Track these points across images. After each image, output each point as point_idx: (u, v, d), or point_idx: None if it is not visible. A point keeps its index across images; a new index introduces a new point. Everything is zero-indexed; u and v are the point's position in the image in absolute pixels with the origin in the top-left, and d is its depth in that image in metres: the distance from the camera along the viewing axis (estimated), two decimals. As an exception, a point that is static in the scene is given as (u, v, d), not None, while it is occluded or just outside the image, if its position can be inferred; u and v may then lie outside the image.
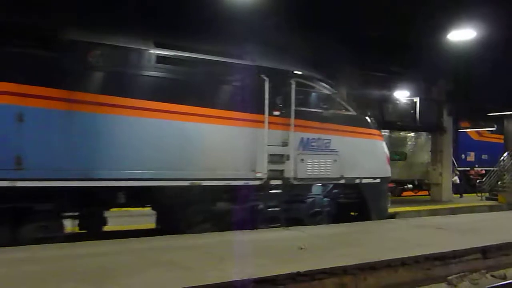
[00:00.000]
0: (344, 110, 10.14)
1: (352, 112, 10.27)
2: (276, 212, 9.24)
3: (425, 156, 20.30)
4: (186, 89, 8.28)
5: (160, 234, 8.12)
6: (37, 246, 6.72)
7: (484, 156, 23.62)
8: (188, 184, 8.16)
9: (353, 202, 10.38)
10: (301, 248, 6.99)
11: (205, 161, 8.33)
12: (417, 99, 17.48)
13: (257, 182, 8.91)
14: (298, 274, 5.60)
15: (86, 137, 7.31)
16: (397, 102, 17.95)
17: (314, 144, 9.56)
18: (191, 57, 8.38)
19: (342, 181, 9.95)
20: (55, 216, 7.46)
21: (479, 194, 19.59)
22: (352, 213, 10.75)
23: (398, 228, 9.58)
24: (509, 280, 6.93)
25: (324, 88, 9.93)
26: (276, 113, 9.14)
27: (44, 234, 7.21)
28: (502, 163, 20.44)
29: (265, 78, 8.97)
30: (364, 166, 10.24)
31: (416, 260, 6.77)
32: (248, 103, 8.76)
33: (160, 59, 8.04)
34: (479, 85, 15.24)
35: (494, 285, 6.64)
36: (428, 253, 6.99)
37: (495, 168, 20.39)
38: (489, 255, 7.69)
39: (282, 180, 9.20)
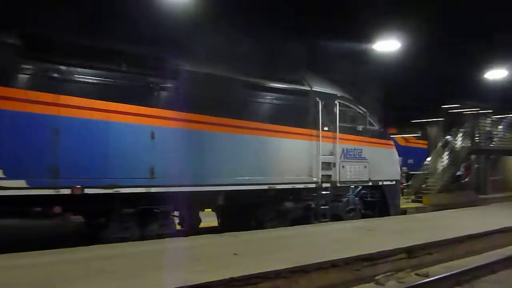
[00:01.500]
0: (370, 125, 12.39)
1: (375, 127, 12.65)
2: (326, 210, 11.18)
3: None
4: (264, 110, 10.25)
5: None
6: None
7: (410, 161, 24.84)
8: (267, 188, 9.95)
9: (376, 201, 12.58)
10: (235, 254, 7.04)
11: (278, 168, 10.14)
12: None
13: (313, 185, 10.85)
14: (232, 279, 5.61)
15: (198, 151, 8.88)
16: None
17: (351, 153, 11.76)
18: (270, 84, 10.30)
19: (370, 183, 12.25)
20: (169, 216, 8.91)
21: (407, 197, 20.55)
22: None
23: (330, 231, 9.86)
24: (432, 277, 7.31)
25: (357, 108, 12.11)
26: (326, 128, 11.15)
27: (162, 231, 8.58)
28: (426, 166, 21.66)
29: (318, 100, 11.00)
30: (384, 170, 12.64)
31: (346, 262, 6.99)
32: (307, 120, 10.85)
33: (249, 85, 9.86)
34: (404, 93, 16.06)
35: (418, 283, 6.97)
36: (357, 254, 7.26)
37: (420, 172, 21.55)
38: (414, 254, 8.09)
39: (330, 183, 11.20)
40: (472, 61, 14.41)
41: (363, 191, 12.36)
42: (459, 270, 7.58)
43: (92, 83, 7.82)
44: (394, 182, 12.99)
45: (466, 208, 15.19)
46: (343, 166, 11.48)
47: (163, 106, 8.51)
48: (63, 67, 7.50)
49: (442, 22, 10.66)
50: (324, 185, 11.05)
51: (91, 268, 6.00)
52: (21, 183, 6.87)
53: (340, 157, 11.40)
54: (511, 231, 10.65)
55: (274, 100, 10.36)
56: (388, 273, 7.40)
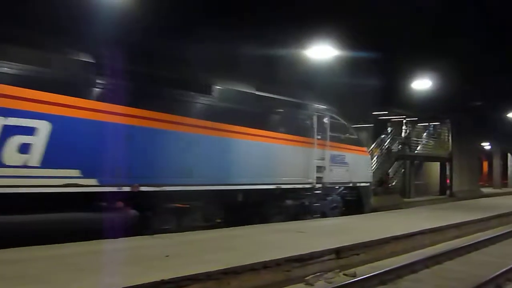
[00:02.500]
0: (350, 135, 14.48)
1: (354, 136, 14.77)
2: (317, 207, 13.04)
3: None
4: (272, 120, 11.90)
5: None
6: None
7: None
8: (275, 187, 11.62)
9: (354, 199, 14.55)
10: (167, 256, 6.94)
11: (283, 171, 11.82)
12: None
13: (309, 186, 12.68)
14: (162, 282, 5.52)
15: (224, 156, 10.41)
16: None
17: (337, 158, 13.64)
18: (278, 97, 11.99)
19: (350, 184, 14.26)
20: (203, 210, 10.26)
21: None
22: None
23: (263, 233, 9.95)
24: (359, 277, 7.59)
25: (341, 120, 14.07)
26: (319, 137, 13.00)
27: (202, 223, 10.24)
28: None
29: (314, 113, 12.96)
30: (361, 173, 14.80)
31: (277, 263, 7.09)
32: (305, 130, 12.71)
33: (261, 98, 11.52)
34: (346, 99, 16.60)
35: (345, 282, 7.20)
36: (288, 255, 7.39)
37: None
38: (342, 255, 8.35)
39: (322, 184, 12.99)
40: (400, 71, 15.21)
41: (344, 191, 14.32)
42: (384, 270, 7.90)
43: (139, 95, 8.99)
44: (368, 184, 15.29)
45: (391, 211, 15.90)
46: (331, 170, 13.36)
47: (202, 118, 10.11)
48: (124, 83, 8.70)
49: (371, 37, 11.25)
50: (317, 185, 12.88)
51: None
52: (93, 181, 8.11)
53: (329, 162, 13.31)
54: (430, 233, 11.30)
55: (280, 112, 12.14)
56: (318, 274, 7.59)
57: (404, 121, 25.91)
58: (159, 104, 9.28)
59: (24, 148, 7.37)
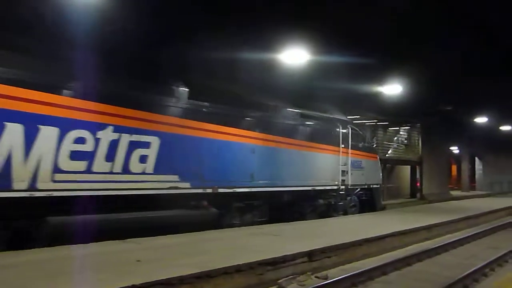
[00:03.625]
0: (366, 143, 17.29)
1: (368, 144, 17.76)
2: (340, 205, 15.27)
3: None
4: (309, 132, 14.09)
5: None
6: None
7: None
8: (310, 189, 13.88)
9: (367, 199, 16.82)
10: (138, 261, 6.87)
11: (316, 175, 14.12)
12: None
13: (335, 187, 14.92)
14: (133, 287, 5.46)
15: (276, 162, 12.56)
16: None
17: (356, 164, 15.87)
18: (314, 114, 14.50)
19: (365, 186, 16.58)
20: (256, 209, 12.27)
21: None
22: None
23: (238, 236, 9.95)
24: (330, 280, 7.67)
25: (359, 130, 16.61)
26: (343, 145, 15.22)
27: (258, 219, 12.20)
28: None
29: (339, 125, 15.25)
30: (374, 177, 17.18)
31: (250, 266, 7.12)
32: (333, 140, 15.00)
33: (303, 115, 13.91)
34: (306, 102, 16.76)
35: (317, 285, 7.26)
36: (262, 258, 7.42)
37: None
38: (314, 258, 8.44)
39: (345, 186, 15.22)
40: (370, 76, 15.47)
41: (360, 192, 16.48)
42: (355, 272, 8.01)
43: (215, 113, 11.01)
44: (379, 185, 17.63)
45: (364, 213, 16.09)
46: (352, 174, 15.46)
47: (259, 131, 12.17)
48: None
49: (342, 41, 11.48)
50: (341, 187, 15.10)
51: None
52: (187, 184, 10.08)
53: (351, 167, 15.41)
54: (401, 235, 11.51)
55: (314, 125, 14.41)
56: (290, 277, 7.65)
57: (376, 125, 26.29)
58: (237, 122, 11.68)
59: (143, 159, 9.22)
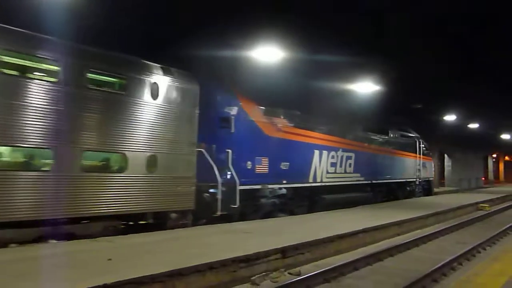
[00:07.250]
0: (426, 150, 27.25)
1: (427, 151, 27.68)
2: (416, 192, 25.43)
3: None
4: (400, 144, 24.16)
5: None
6: None
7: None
8: (404, 181, 24.20)
9: (426, 187, 27.23)
10: (110, 259, 6.77)
11: (404, 171, 24.26)
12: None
13: (414, 180, 25.48)
14: (105, 286, 5.38)
15: (373, 164, 20.89)
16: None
17: (423, 164, 26.26)
18: (402, 133, 25.22)
19: (427, 179, 27.46)
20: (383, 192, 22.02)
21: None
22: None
23: (210, 234, 9.90)
24: (303, 276, 7.72)
25: (424, 142, 26.90)
26: (417, 153, 25.67)
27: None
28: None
29: (417, 140, 25.94)
30: (430, 173, 28.77)
31: (223, 264, 7.10)
32: (413, 149, 25.38)
33: (401, 135, 25.24)
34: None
35: (290, 281, 7.30)
36: (235, 256, 7.40)
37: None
38: (288, 254, 8.48)
39: (418, 179, 25.83)
40: (342, 74, 15.61)
41: (423, 183, 26.53)
42: (327, 268, 8.09)
43: (372, 139, 21.43)
44: (432, 178, 29.12)
45: (337, 210, 16.24)
46: (421, 171, 25.89)
47: (385, 147, 22.42)
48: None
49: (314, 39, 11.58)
50: (417, 180, 25.59)
51: None
52: (363, 179, 19.60)
53: (421, 166, 25.88)
54: (373, 231, 11.67)
55: (403, 139, 24.63)
56: (263, 273, 7.66)
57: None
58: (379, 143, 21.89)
59: (349, 165, 18.23)
